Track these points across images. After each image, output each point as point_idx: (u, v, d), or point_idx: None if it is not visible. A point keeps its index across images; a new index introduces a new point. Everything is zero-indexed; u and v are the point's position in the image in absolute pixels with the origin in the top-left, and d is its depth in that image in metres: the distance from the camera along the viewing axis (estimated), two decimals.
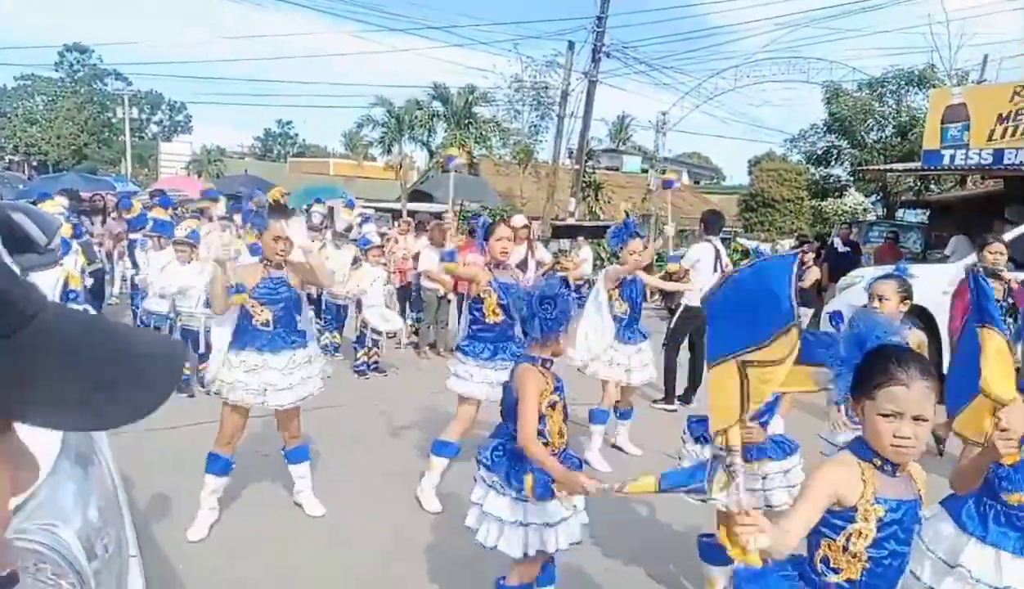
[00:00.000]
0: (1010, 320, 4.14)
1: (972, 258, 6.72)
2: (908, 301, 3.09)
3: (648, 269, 7.10)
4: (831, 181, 18.98)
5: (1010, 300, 4.72)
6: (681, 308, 6.10)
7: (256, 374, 3.24)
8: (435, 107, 22.14)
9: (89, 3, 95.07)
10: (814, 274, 8.57)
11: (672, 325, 6.15)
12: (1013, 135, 8.74)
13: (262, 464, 4.00)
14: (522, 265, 6.59)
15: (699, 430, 2.88)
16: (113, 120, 43.15)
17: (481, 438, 2.97)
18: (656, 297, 9.41)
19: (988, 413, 1.92)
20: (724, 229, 7.59)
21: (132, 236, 7.71)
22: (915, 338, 3.22)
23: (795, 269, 1.65)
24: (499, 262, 3.77)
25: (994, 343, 1.92)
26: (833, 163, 18.33)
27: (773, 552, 1.45)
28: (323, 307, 7.32)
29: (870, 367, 1.52)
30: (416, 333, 7.96)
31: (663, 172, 20.85)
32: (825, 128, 17.77)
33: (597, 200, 20.78)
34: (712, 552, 2.83)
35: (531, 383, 2.28)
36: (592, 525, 3.29)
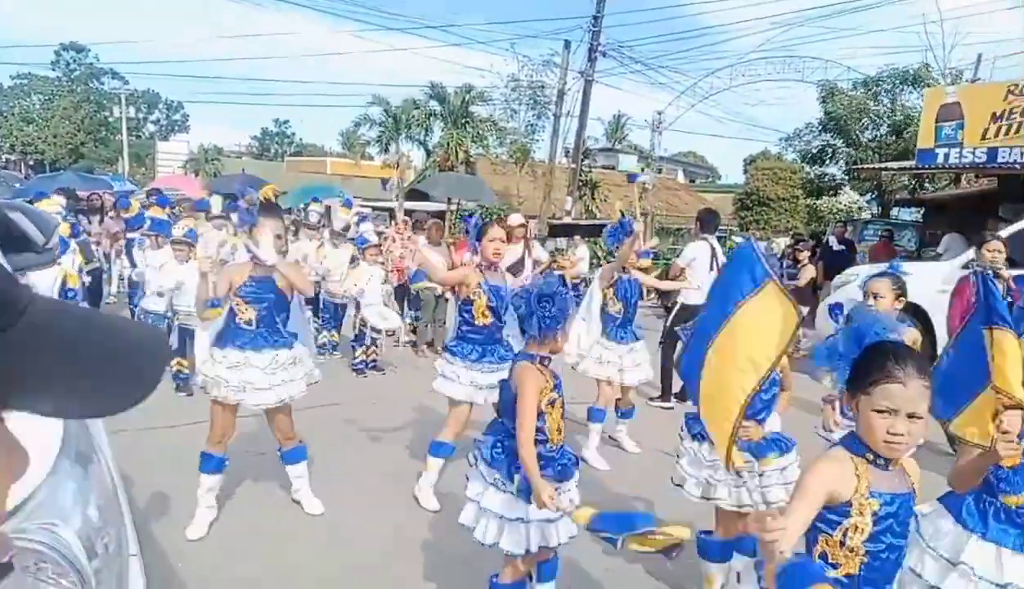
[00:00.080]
0: None
1: (967, 256, 6.75)
2: (903, 298, 3.11)
3: (645, 269, 7.13)
4: (826, 180, 19.04)
5: (1008, 298, 4.75)
6: (677, 306, 6.11)
7: (237, 371, 3.22)
8: (432, 106, 22.13)
9: (86, 2, 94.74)
10: (809, 272, 8.61)
11: (668, 323, 6.17)
12: (1007, 134, 8.79)
13: (260, 463, 4.00)
14: (519, 264, 6.60)
15: (696, 427, 2.89)
16: (110, 119, 43.03)
17: (476, 438, 2.99)
18: (653, 295, 9.43)
19: (990, 414, 1.92)
20: (720, 228, 7.60)
21: (130, 235, 7.70)
22: (910, 335, 3.24)
23: (755, 247, 1.77)
24: (491, 263, 3.75)
25: (1010, 344, 1.91)
26: (828, 162, 18.39)
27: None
28: (321, 306, 7.32)
29: (867, 363, 1.53)
30: (414, 332, 7.97)
31: (659, 171, 20.91)
32: (820, 127, 17.83)
33: (594, 199, 20.81)
34: (710, 549, 2.85)
35: (530, 382, 2.28)
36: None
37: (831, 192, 19.49)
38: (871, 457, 1.53)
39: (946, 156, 9.44)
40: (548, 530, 2.34)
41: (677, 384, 6.12)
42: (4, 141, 43.12)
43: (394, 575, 3.08)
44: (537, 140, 20.96)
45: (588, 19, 16.79)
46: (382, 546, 3.30)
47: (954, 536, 2.02)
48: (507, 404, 2.37)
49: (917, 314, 6.21)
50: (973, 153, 9.09)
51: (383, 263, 7.36)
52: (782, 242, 13.91)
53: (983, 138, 8.98)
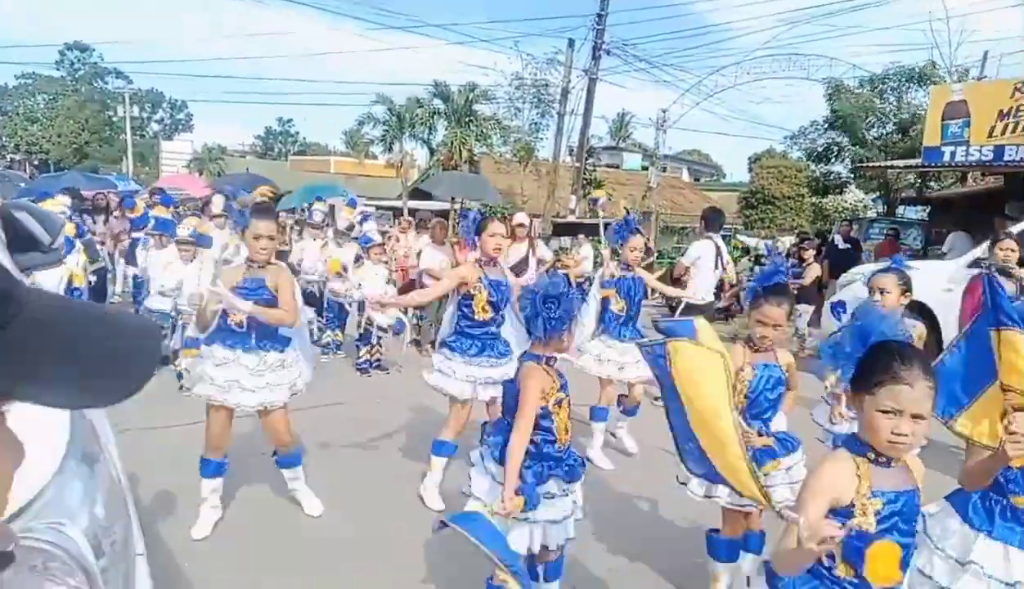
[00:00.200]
0: None
1: (974, 254, 6.73)
2: (908, 294, 3.11)
3: (649, 268, 7.11)
4: (831, 178, 18.96)
5: (1022, 297, 4.71)
6: (682, 306, 6.09)
7: (224, 369, 3.20)
8: (436, 105, 22.11)
9: (89, 2, 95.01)
10: (815, 271, 8.57)
11: None
12: (1013, 131, 8.74)
13: (265, 462, 4.00)
14: (523, 263, 6.60)
15: None
16: (114, 119, 43.19)
17: (484, 433, 2.98)
18: (657, 295, 9.41)
19: (998, 415, 1.91)
20: (724, 226, 7.58)
21: (135, 235, 7.72)
22: (916, 330, 3.23)
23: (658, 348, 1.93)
24: (490, 258, 3.70)
25: (1022, 343, 1.89)
26: (834, 160, 18.32)
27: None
28: (325, 305, 7.33)
29: (872, 363, 1.52)
30: (418, 331, 7.97)
31: (663, 170, 20.85)
32: (826, 125, 17.76)
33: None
34: (718, 548, 2.84)
35: (534, 385, 2.28)
36: (596, 523, 3.32)
37: (837, 190, 19.42)
38: (872, 456, 1.53)
39: (952, 154, 9.40)
40: (551, 531, 2.34)
41: None
42: (9, 141, 43.32)
43: (397, 572, 3.08)
44: (541, 139, 20.95)
45: (592, 17, 16.78)
46: (387, 545, 3.31)
47: (961, 535, 2.02)
48: (511, 403, 2.37)
49: (923, 312, 6.18)
50: (979, 151, 9.05)
51: (387, 262, 7.37)
52: (787, 241, 13.85)
53: (989, 136, 8.93)
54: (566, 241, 13.84)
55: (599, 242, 12.40)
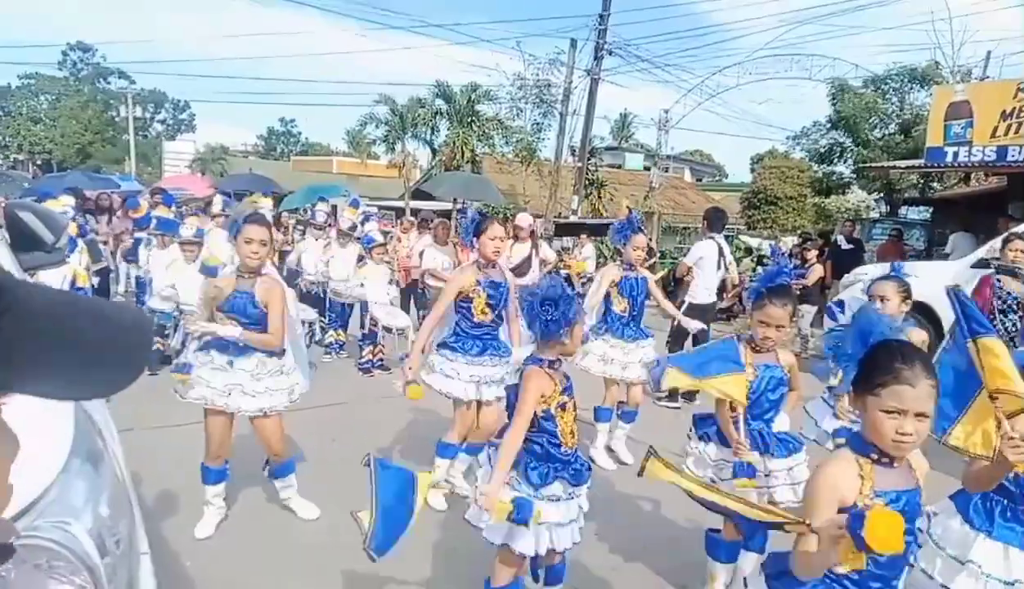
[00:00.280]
0: None
1: (977, 254, 6.71)
2: (909, 300, 3.11)
3: (652, 268, 7.10)
4: (834, 178, 18.92)
5: None
6: (685, 306, 6.09)
7: (223, 374, 3.16)
8: (438, 105, 22.11)
9: (92, 2, 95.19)
10: (818, 272, 8.56)
11: (675, 323, 6.15)
12: (1016, 132, 8.72)
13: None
14: (526, 263, 6.60)
15: (703, 428, 2.89)
16: (117, 119, 43.36)
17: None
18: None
19: (988, 424, 1.91)
20: (727, 226, 7.57)
21: (138, 234, 7.74)
22: (918, 336, 3.23)
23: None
24: (489, 260, 3.66)
25: (999, 346, 1.92)
26: (836, 160, 18.28)
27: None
28: (327, 305, 7.33)
29: (874, 363, 1.52)
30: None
31: (665, 170, 20.83)
32: (829, 125, 17.72)
33: (600, 197, 20.74)
34: (717, 548, 2.84)
35: (532, 388, 2.28)
36: (598, 522, 3.32)
37: (839, 191, 19.38)
38: (875, 456, 1.53)
39: (955, 155, 9.38)
40: (557, 533, 2.33)
41: None
42: (12, 141, 43.46)
43: (401, 574, 3.08)
44: (543, 139, 20.94)
45: (595, 17, 16.76)
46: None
47: (961, 535, 2.03)
48: (513, 406, 2.37)
49: (926, 314, 6.18)
50: (982, 151, 9.03)
51: (389, 262, 7.37)
52: (790, 241, 13.84)
53: (992, 136, 8.91)
54: (568, 241, 13.85)
55: (601, 242, 12.43)
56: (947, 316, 6.27)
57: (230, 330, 3.11)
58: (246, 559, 3.12)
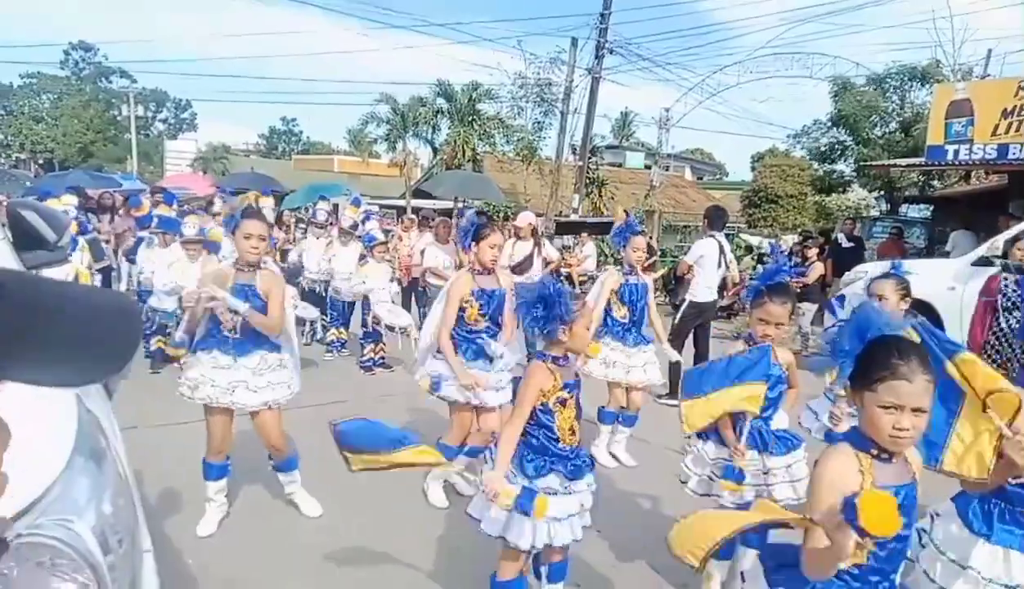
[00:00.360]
0: None
1: (979, 252, 6.71)
2: (908, 298, 3.11)
3: (652, 267, 7.10)
4: (835, 177, 18.89)
5: None
6: (686, 304, 6.10)
7: (226, 372, 3.17)
8: (439, 104, 22.11)
9: (94, 1, 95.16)
10: (818, 270, 8.56)
11: (676, 321, 6.16)
12: (1017, 130, 8.71)
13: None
14: (528, 261, 6.59)
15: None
16: (118, 118, 43.37)
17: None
18: (660, 293, 9.40)
19: (977, 442, 1.90)
20: (728, 225, 7.57)
21: (140, 233, 7.75)
22: (918, 335, 3.24)
23: None
24: (486, 267, 3.65)
25: (972, 357, 1.93)
26: (837, 159, 18.25)
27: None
28: (329, 304, 7.35)
29: (871, 359, 1.53)
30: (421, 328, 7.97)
31: (666, 169, 20.81)
32: (830, 123, 17.69)
33: (601, 196, 20.74)
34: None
35: (532, 382, 2.32)
36: (599, 520, 3.32)
37: (840, 189, 19.36)
38: (875, 452, 1.54)
39: (956, 153, 9.37)
40: (555, 528, 2.34)
41: None
42: (14, 140, 43.50)
43: (402, 572, 3.09)
44: (544, 138, 20.93)
45: (595, 16, 16.74)
46: (391, 543, 3.31)
47: (960, 539, 2.03)
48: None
49: (927, 311, 6.17)
50: (983, 149, 9.02)
51: (391, 261, 7.38)
52: (790, 239, 13.82)
53: (993, 134, 8.90)
54: (569, 240, 13.84)
55: (602, 241, 12.42)
56: (947, 313, 6.29)
57: (239, 303, 3.13)
58: (247, 557, 3.13)
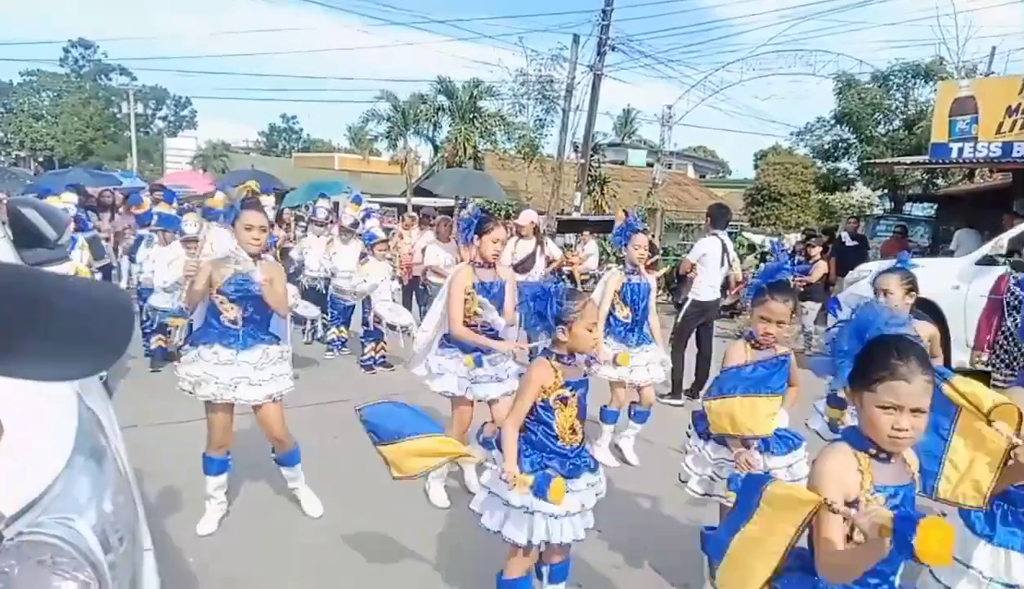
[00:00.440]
0: None
1: (983, 251, 6.68)
2: (913, 293, 3.08)
3: (655, 265, 7.08)
4: (839, 175, 18.85)
5: None
6: (688, 303, 6.08)
7: (228, 368, 3.16)
8: (440, 101, 22.08)
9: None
10: (822, 269, 8.53)
11: (679, 320, 6.14)
12: (1022, 128, 8.67)
13: (271, 459, 4.01)
14: (530, 260, 6.57)
15: (702, 425, 2.86)
16: (118, 115, 43.34)
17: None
18: (663, 293, 9.38)
19: (975, 467, 1.87)
20: (731, 223, 7.54)
21: (140, 231, 7.74)
22: (927, 330, 3.20)
23: None
24: (488, 262, 3.64)
25: (969, 379, 1.91)
26: (841, 157, 18.20)
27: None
28: (329, 303, 7.33)
29: (870, 359, 1.52)
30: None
31: (669, 167, 20.78)
32: (833, 121, 17.64)
33: (603, 194, 20.71)
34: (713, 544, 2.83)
35: (533, 377, 2.34)
36: (601, 520, 3.30)
37: (844, 187, 19.30)
38: (874, 452, 1.52)
39: (960, 151, 9.33)
40: (553, 525, 2.33)
41: (688, 381, 6.10)
42: (14, 138, 43.47)
43: (402, 571, 3.08)
44: (546, 135, 20.89)
45: (597, 13, 16.70)
46: (392, 542, 3.30)
47: (963, 540, 2.02)
48: None
49: (930, 310, 6.14)
50: (988, 147, 8.98)
51: (391, 259, 7.36)
52: (793, 238, 13.80)
53: (998, 132, 8.86)
54: (571, 238, 13.83)
55: (604, 239, 12.40)
56: (950, 312, 6.27)
57: (255, 268, 3.15)
58: (247, 556, 3.12)
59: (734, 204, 19.07)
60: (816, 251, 8.87)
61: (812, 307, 8.14)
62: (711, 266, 5.97)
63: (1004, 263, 5.79)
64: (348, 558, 3.15)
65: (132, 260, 7.76)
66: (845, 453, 1.54)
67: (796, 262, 8.94)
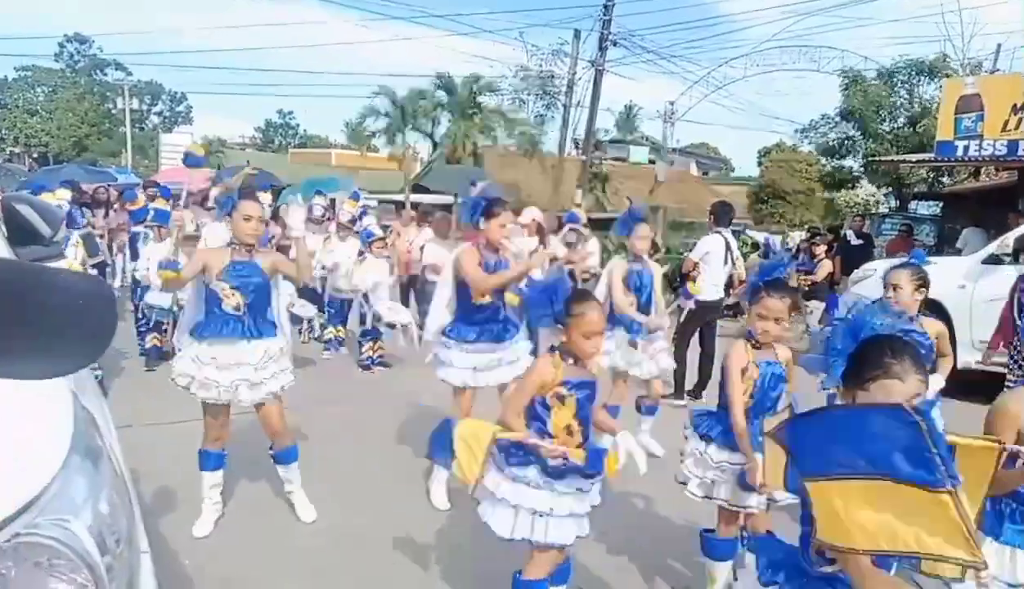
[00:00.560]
0: None
1: (989, 249, 6.64)
2: (924, 289, 3.04)
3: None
4: (844, 172, 18.78)
5: None
6: (690, 303, 6.01)
7: (228, 372, 3.10)
8: (439, 97, 22.02)
9: None
10: (827, 267, 8.49)
11: (682, 320, 6.08)
12: None
13: (267, 459, 3.94)
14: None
15: (703, 426, 2.80)
16: (113, 111, 43.12)
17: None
18: (666, 293, 9.31)
19: (976, 471, 1.83)
20: (734, 221, 7.49)
21: (134, 228, 7.66)
22: (935, 327, 3.17)
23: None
24: (495, 247, 3.57)
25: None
26: (846, 154, 18.13)
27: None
28: (327, 301, 7.26)
29: (864, 358, 1.51)
30: (421, 327, 7.88)
31: (671, 164, 20.75)
32: (838, 118, 17.55)
33: (604, 191, 20.65)
34: (713, 547, 2.78)
35: (532, 374, 2.35)
36: (602, 521, 3.26)
37: (848, 185, 19.22)
38: None
39: (966, 148, 9.30)
40: (537, 524, 2.28)
41: (690, 382, 6.03)
42: (8, 134, 43.34)
43: (402, 571, 3.04)
44: (546, 131, 20.85)
45: (599, 7, 16.66)
46: (392, 542, 3.25)
47: None
48: None
49: (936, 310, 6.10)
50: (993, 145, 8.95)
51: (389, 257, 7.29)
52: (797, 236, 13.78)
53: (1003, 130, 8.83)
54: (571, 236, 13.75)
55: (606, 236, 12.34)
56: (956, 311, 6.22)
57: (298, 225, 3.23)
58: (244, 557, 3.07)
59: (738, 202, 18.99)
60: (821, 250, 8.83)
61: (817, 306, 8.09)
62: (714, 265, 5.92)
63: (1010, 262, 5.75)
64: (347, 559, 3.10)
65: (128, 257, 7.70)
66: None
67: (801, 261, 8.91)
